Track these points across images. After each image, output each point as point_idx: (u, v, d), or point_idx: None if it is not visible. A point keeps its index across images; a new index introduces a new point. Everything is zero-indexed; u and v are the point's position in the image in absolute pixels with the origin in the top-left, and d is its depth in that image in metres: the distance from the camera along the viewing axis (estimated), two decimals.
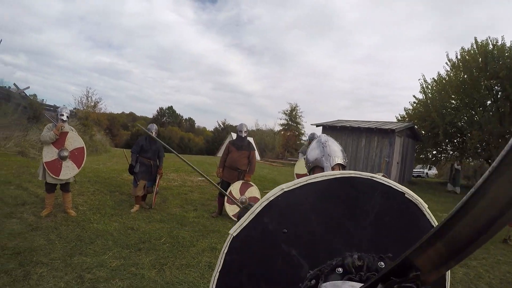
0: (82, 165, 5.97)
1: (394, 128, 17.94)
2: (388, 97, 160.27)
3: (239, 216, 1.87)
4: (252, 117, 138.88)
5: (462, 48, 21.48)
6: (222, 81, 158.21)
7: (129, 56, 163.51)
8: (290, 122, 39.08)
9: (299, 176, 8.56)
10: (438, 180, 28.87)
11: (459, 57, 21.60)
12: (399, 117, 24.85)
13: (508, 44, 19.78)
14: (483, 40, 20.61)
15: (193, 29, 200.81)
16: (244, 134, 7.30)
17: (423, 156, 24.56)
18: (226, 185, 7.09)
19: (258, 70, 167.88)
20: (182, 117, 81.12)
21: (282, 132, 38.64)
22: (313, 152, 2.15)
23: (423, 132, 22.32)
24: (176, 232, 5.57)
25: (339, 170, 2.04)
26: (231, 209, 6.92)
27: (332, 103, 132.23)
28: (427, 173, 32.66)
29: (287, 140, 36.07)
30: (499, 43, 19.99)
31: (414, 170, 26.21)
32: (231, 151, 7.16)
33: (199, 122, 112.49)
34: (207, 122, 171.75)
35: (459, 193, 18.25)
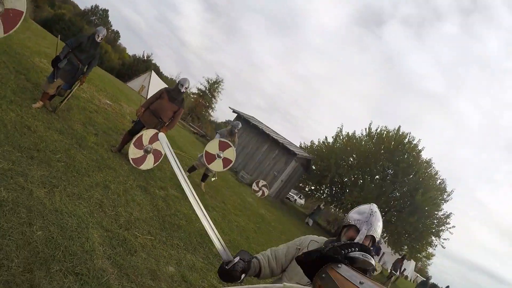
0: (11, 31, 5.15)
1: (297, 152, 18.93)
2: (297, 119, 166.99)
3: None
4: (176, 65, 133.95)
5: (385, 127, 24.24)
6: (168, 16, 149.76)
7: None
8: (207, 92, 38.76)
9: (207, 154, 8.67)
10: (302, 210, 31.02)
11: (378, 130, 24.26)
12: (302, 145, 26.50)
13: (419, 147, 22.99)
14: (404, 132, 23.64)
15: None
16: (183, 89, 6.95)
17: (303, 186, 26.47)
18: (140, 126, 6.77)
19: (207, 27, 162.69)
20: (111, 25, 75.56)
21: (196, 96, 38.17)
22: (356, 215, 2.13)
23: (314, 168, 23.96)
24: (74, 153, 5.10)
25: (370, 242, 2.08)
26: (134, 153, 6.51)
27: (251, 96, 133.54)
28: (296, 199, 34.84)
29: (196, 106, 35.70)
30: (414, 142, 23.10)
31: (289, 193, 27.90)
32: (163, 98, 6.78)
33: (123, 41, 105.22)
34: (130, 45, 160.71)
35: (311, 225, 20.87)
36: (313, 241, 2.22)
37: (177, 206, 6.41)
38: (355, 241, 1.88)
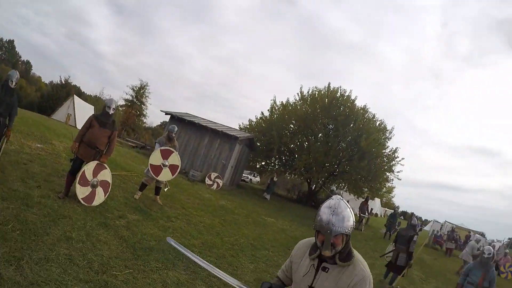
0: None
1: (238, 135, 19.16)
2: (231, 101, 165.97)
3: None
4: (96, 80, 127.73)
5: (316, 87, 25.06)
6: (78, 31, 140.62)
7: None
8: (135, 100, 37.74)
9: (153, 167, 8.61)
10: (259, 187, 31.52)
11: (310, 92, 24.97)
12: (242, 126, 26.79)
13: (352, 97, 24.12)
14: (335, 87, 24.54)
15: None
16: (111, 111, 6.65)
17: (253, 164, 26.87)
18: (79, 162, 6.55)
19: (119, 32, 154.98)
20: (20, 57, 70.69)
21: (124, 108, 37.00)
22: (321, 217, 2.20)
23: (259, 144, 24.36)
24: (24, 215, 4.90)
25: (342, 237, 2.17)
26: (82, 192, 6.38)
27: (178, 91, 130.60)
28: (251, 179, 35.28)
29: (127, 118, 34.59)
30: (346, 94, 24.12)
31: (242, 175, 28.24)
32: (93, 126, 6.49)
33: (36, 69, 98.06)
34: (45, 72, 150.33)
35: (269, 200, 21.29)
36: (298, 248, 2.51)
37: (141, 229, 6.47)
38: (324, 244, 2.15)
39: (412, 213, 25.36)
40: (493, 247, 18.84)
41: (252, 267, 6.84)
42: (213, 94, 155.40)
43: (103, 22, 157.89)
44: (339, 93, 24.31)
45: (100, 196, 6.72)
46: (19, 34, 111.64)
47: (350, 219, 2.19)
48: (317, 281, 2.27)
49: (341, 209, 2.19)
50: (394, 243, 9.11)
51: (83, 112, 25.42)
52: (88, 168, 6.44)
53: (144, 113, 38.96)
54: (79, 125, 23.45)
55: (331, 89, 24.56)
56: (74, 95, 26.35)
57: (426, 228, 40.00)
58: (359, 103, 24.86)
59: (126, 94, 38.50)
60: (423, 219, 62.39)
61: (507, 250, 22.14)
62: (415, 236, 8.63)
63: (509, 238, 42.38)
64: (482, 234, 32.27)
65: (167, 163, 8.77)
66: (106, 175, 6.83)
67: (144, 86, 38.32)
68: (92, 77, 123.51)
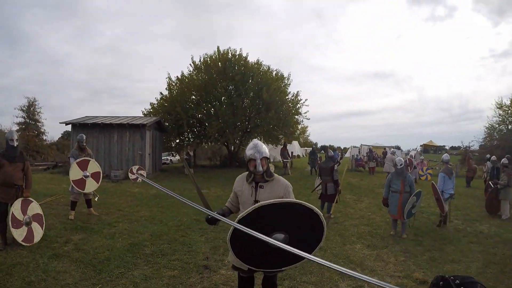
0: None
1: (145, 123, 19.00)
2: (125, 89, 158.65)
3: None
4: None
5: (206, 54, 25.24)
6: None
7: None
8: (28, 120, 34.94)
9: (75, 182, 8.51)
10: (181, 165, 31.58)
11: (202, 60, 25.13)
12: (145, 112, 26.36)
13: (244, 55, 24.73)
14: (224, 49, 24.86)
15: None
16: (16, 143, 6.32)
17: (169, 145, 26.81)
18: (4, 207, 6.19)
19: None
20: None
21: (20, 133, 34.14)
22: (249, 151, 3.35)
23: (167, 124, 24.26)
24: None
25: (265, 161, 3.35)
26: (19, 234, 6.14)
27: (68, 95, 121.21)
28: (171, 159, 35.05)
29: (27, 142, 31.92)
30: (237, 53, 24.61)
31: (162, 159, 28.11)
32: (3, 165, 6.10)
33: None
34: None
35: (193, 173, 21.18)
36: (237, 181, 3.59)
37: (91, 245, 6.53)
38: (256, 166, 3.29)
39: (326, 146, 27.25)
40: (411, 156, 21.08)
41: (203, 239, 7.30)
42: (105, 87, 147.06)
43: None
44: (230, 54, 24.70)
45: (38, 231, 6.54)
46: None
47: (266, 149, 3.44)
48: (258, 195, 3.34)
49: (260, 144, 3.43)
50: (319, 177, 9.97)
51: None
52: (16, 209, 6.20)
53: (42, 130, 36.37)
54: None
55: (221, 51, 24.86)
56: None
57: (346, 155, 43.10)
58: (251, 59, 25.66)
59: (17, 117, 35.27)
60: (342, 148, 66.36)
61: (422, 156, 24.97)
62: (335, 165, 9.58)
63: (420, 145, 47.19)
64: (398, 147, 35.57)
65: (88, 174, 8.73)
66: (35, 208, 6.64)
67: (33, 102, 35.51)
68: None
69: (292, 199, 3.25)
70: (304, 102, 26.46)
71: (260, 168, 3.30)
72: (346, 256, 6.47)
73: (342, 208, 10.15)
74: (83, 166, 8.70)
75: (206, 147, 30.62)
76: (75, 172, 8.58)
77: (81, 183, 8.61)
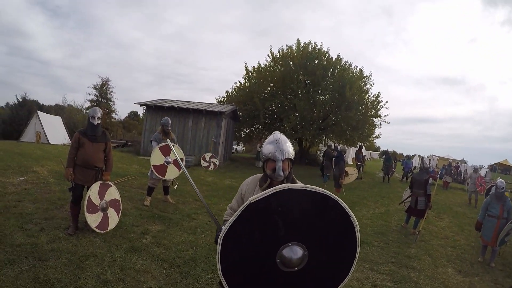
0: None
1: (223, 110, 18.33)
2: (190, 76, 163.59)
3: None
4: (52, 89, 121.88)
5: (287, 45, 24.94)
6: (19, 45, 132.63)
7: None
8: (100, 98, 36.05)
9: (156, 167, 7.87)
10: (248, 156, 31.02)
11: (281, 52, 24.21)
12: (219, 99, 25.90)
13: (325, 49, 23.53)
14: (305, 42, 23.75)
15: None
16: (97, 121, 5.64)
17: (239, 135, 26.18)
18: (80, 189, 5.57)
19: (61, 35, 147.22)
20: None
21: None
22: (268, 147, 2.49)
23: (241, 114, 23.57)
24: (44, 275, 3.93)
25: (288, 163, 2.51)
26: (94, 220, 5.48)
27: (136, 78, 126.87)
28: (236, 149, 34.79)
29: None
30: (318, 47, 23.44)
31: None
32: (83, 144, 5.49)
33: None
34: None
35: (260, 166, 20.57)
36: (246, 184, 2.72)
37: (171, 240, 5.85)
38: (276, 169, 2.43)
39: (389, 152, 25.19)
40: (483, 172, 18.89)
41: None
42: (171, 73, 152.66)
43: (41, 30, 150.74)
44: (310, 48, 23.54)
45: (113, 218, 5.87)
46: None
47: (291, 147, 2.55)
48: None
49: (284, 140, 2.52)
50: (410, 189, 9.22)
51: (51, 126, 23.89)
52: (93, 192, 5.53)
53: (113, 109, 37.47)
54: (52, 140, 22.09)
55: (301, 44, 23.77)
56: (38, 111, 24.55)
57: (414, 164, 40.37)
58: (332, 53, 24.72)
59: (89, 95, 36.72)
60: (404, 155, 63.65)
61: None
62: (430, 178, 8.87)
63: (493, 164, 43.26)
64: (464, 161, 32.65)
65: (170, 160, 8.07)
66: (113, 193, 5.95)
67: (106, 82, 36.67)
68: (47, 87, 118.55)
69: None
70: (384, 104, 24.57)
71: (281, 173, 2.46)
72: (441, 281, 5.83)
73: (425, 224, 9.10)
74: (165, 151, 8.04)
75: None
76: (156, 157, 7.93)
77: (162, 169, 7.98)
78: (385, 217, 9.87)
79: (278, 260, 1.97)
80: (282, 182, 2.45)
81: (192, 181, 2.98)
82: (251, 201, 1.91)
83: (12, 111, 38.83)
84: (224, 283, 2.01)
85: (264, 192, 1.93)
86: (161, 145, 8.00)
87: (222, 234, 1.94)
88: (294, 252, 1.97)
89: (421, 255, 6.92)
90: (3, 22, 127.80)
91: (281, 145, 2.47)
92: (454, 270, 6.44)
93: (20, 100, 39.89)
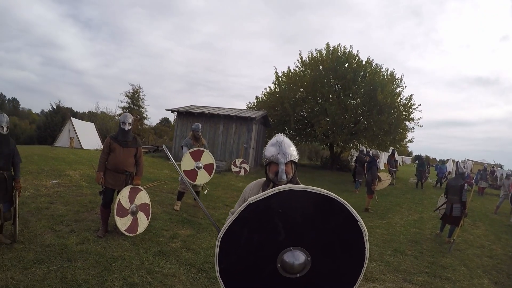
0: None
1: (253, 116, 18.23)
2: (220, 83, 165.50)
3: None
4: (85, 97, 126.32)
5: (316, 49, 24.51)
6: (53, 56, 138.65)
7: None
8: (132, 105, 36.68)
9: (187, 172, 7.75)
10: None
11: (311, 56, 23.97)
12: (250, 105, 25.85)
13: (355, 52, 23.05)
14: (334, 46, 23.41)
15: None
16: (128, 127, 5.71)
17: (269, 140, 25.94)
18: (111, 193, 5.64)
19: (93, 46, 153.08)
20: (4, 97, 69.91)
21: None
22: (270, 149, 2.39)
23: (271, 119, 23.39)
24: (71, 275, 3.95)
25: (291, 166, 2.38)
26: (123, 223, 5.48)
27: (166, 86, 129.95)
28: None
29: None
30: (347, 50, 23.04)
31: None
32: (114, 149, 5.59)
33: (24, 103, 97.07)
34: (33, 103, 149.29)
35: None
36: (250, 188, 2.62)
37: (200, 245, 5.75)
38: (279, 172, 2.30)
39: (422, 157, 24.25)
40: None
41: None
42: (202, 80, 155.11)
43: (74, 41, 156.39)
44: (339, 51, 23.22)
45: (143, 222, 5.83)
46: None
47: (295, 149, 2.43)
48: None
49: (286, 141, 2.41)
50: (445, 195, 8.83)
51: (84, 131, 24.48)
52: (123, 196, 5.54)
53: (145, 115, 38.08)
54: (85, 145, 22.54)
55: (331, 48, 23.50)
56: (71, 118, 25.21)
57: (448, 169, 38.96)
58: (361, 57, 24.09)
59: (121, 102, 37.55)
60: (438, 160, 61.32)
61: None
62: (466, 184, 8.45)
63: None
64: (500, 166, 31.25)
65: (200, 165, 8.00)
66: (143, 197, 5.93)
67: (137, 89, 37.33)
68: (81, 95, 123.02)
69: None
70: (417, 108, 23.76)
71: (284, 176, 2.33)
72: None
73: (460, 232, 8.63)
74: (196, 156, 7.99)
75: (305, 145, 29.18)
76: (187, 163, 7.85)
77: (192, 174, 7.90)
78: (418, 225, 9.48)
79: (279, 265, 1.85)
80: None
81: (186, 180, 2.94)
82: (251, 202, 1.80)
83: (47, 118, 40.07)
84: (221, 284, 1.90)
85: (264, 192, 1.81)
86: (191, 150, 7.94)
87: (220, 235, 1.84)
88: (296, 257, 1.85)
89: (456, 265, 6.60)
90: (37, 34, 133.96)
91: (284, 147, 2.37)
92: (490, 281, 6.07)
93: (55, 107, 41.15)
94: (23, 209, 6.09)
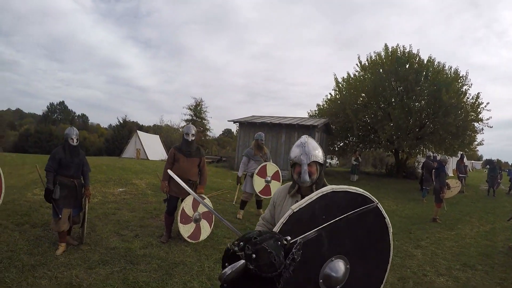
0: None
1: (315, 124, 18.06)
2: (280, 92, 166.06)
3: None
4: (148, 112, 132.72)
5: (374, 51, 23.26)
6: (117, 75, 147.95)
7: (17, 44, 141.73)
8: (195, 118, 37.74)
9: (262, 192, 8.11)
10: (343, 169, 30.02)
11: (370, 59, 23.26)
12: (311, 113, 25.54)
13: (415, 52, 21.99)
14: (393, 47, 22.48)
15: (90, 17, 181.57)
16: (191, 138, 5.93)
17: (332, 148, 25.43)
18: (175, 201, 5.84)
19: (154, 64, 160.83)
20: (74, 113, 74.96)
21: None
22: (295, 150, 2.39)
23: (334, 126, 22.92)
24: (133, 277, 4.13)
25: (316, 167, 2.35)
26: (186, 230, 5.65)
27: (228, 97, 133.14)
28: (330, 163, 34.08)
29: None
30: (407, 50, 22.03)
31: None
32: (178, 159, 5.81)
33: (93, 119, 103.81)
34: (101, 118, 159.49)
35: (355, 180, 20.13)
36: (278, 192, 2.55)
37: None
38: (302, 173, 2.27)
39: (493, 161, 22.20)
40: None
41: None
42: (262, 90, 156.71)
43: (136, 60, 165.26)
44: (399, 52, 22.25)
45: (205, 229, 5.98)
46: (66, 94, 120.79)
47: (320, 150, 2.41)
48: None
49: (311, 142, 2.41)
50: None
51: (150, 143, 25.63)
52: (187, 204, 5.71)
53: (208, 127, 39.03)
54: (151, 156, 23.42)
55: (390, 49, 22.63)
56: (137, 131, 26.45)
57: None
58: (422, 56, 22.52)
59: (185, 115, 38.95)
60: (510, 163, 55.96)
61: None
62: None
63: None
64: None
65: (269, 178, 8.26)
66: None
67: (199, 102, 38.38)
68: (145, 110, 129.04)
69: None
70: (485, 107, 21.99)
71: (307, 178, 2.28)
72: None
73: None
74: (262, 173, 8.18)
75: (368, 152, 28.30)
76: (258, 183, 8.08)
77: (266, 190, 8.20)
78: (490, 236, 8.73)
79: (321, 280, 1.71)
80: (310, 188, 2.32)
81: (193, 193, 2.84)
82: (294, 210, 1.67)
83: (114, 131, 42.32)
84: None
85: (307, 197, 1.72)
86: (257, 171, 8.03)
87: None
88: (338, 268, 1.74)
89: None
90: (101, 56, 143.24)
91: (307, 148, 2.36)
92: None
93: (121, 121, 43.30)
94: (91, 214, 6.47)
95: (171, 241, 5.69)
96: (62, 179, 4.98)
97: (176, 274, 4.39)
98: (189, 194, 5.79)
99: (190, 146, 5.93)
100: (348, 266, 1.77)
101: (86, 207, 5.24)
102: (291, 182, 2.50)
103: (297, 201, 1.96)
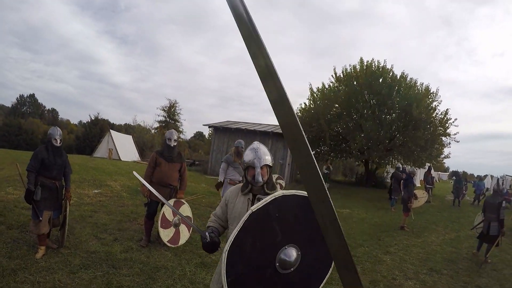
0: None
1: None
2: (253, 98, 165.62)
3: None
4: (120, 110, 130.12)
5: (350, 65, 23.79)
6: (90, 70, 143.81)
7: None
8: (168, 120, 37.49)
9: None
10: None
11: (345, 72, 23.81)
12: None
13: (389, 67, 22.78)
14: (368, 61, 23.10)
15: (67, 8, 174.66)
16: (173, 143, 6.02)
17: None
18: (155, 205, 5.87)
19: (129, 61, 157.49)
20: (44, 107, 72.74)
21: (159, 130, 36.68)
22: (248, 155, 2.73)
23: (306, 135, 23.03)
24: (116, 281, 4.14)
25: (267, 169, 2.72)
26: (166, 234, 5.69)
27: (200, 100, 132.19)
28: None
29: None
30: (381, 65, 22.76)
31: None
32: (160, 164, 5.87)
33: (63, 114, 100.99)
34: (72, 114, 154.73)
35: (327, 189, 19.78)
36: (230, 191, 2.84)
37: None
38: (255, 175, 2.65)
39: (459, 172, 23.19)
40: None
41: (359, 269, 6.29)
42: (235, 95, 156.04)
43: (111, 56, 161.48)
44: (373, 66, 22.90)
45: (184, 234, 6.03)
46: (37, 86, 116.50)
47: (269, 155, 2.78)
48: None
49: (262, 148, 2.77)
50: (483, 213, 8.58)
51: (122, 143, 25.21)
52: (167, 209, 5.78)
53: (181, 129, 38.81)
54: (123, 157, 23.13)
55: (365, 63, 23.20)
56: (110, 130, 25.99)
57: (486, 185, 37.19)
58: (396, 71, 23.26)
59: (158, 116, 38.64)
60: (475, 175, 58.10)
61: None
62: (504, 202, 8.21)
63: None
64: None
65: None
66: (186, 210, 6.15)
67: (173, 104, 38.17)
68: (117, 108, 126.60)
69: None
70: (453, 122, 23.01)
71: (260, 179, 2.68)
72: None
73: (497, 252, 8.46)
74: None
75: (339, 162, 28.84)
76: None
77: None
78: (455, 244, 9.22)
79: (277, 264, 2.05)
80: (262, 187, 2.71)
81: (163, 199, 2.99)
82: (253, 210, 2.02)
83: (86, 129, 41.37)
84: None
85: (263, 200, 2.06)
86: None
87: (227, 248, 1.97)
88: (290, 253, 2.07)
89: (492, 285, 6.43)
90: (75, 49, 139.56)
91: (259, 153, 2.71)
92: None
93: (93, 118, 42.42)
94: (68, 216, 6.27)
95: (150, 245, 5.73)
96: (44, 180, 4.90)
97: (159, 278, 4.45)
98: (170, 198, 5.92)
99: (172, 151, 6.00)
100: (299, 252, 2.10)
101: (68, 209, 5.16)
102: (241, 184, 2.83)
103: (249, 199, 2.68)
